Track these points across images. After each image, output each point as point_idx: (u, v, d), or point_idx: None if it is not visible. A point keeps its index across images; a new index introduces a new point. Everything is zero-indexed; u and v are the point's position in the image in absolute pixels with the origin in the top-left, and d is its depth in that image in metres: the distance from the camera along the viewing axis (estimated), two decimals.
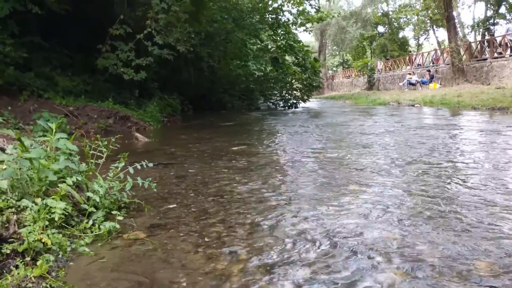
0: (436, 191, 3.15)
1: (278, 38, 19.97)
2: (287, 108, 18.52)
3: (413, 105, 17.16)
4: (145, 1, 9.31)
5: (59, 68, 9.89)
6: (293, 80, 20.45)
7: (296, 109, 18.04)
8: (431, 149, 5.22)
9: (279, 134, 7.96)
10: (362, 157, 4.78)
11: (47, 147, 2.93)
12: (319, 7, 29.97)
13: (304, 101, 19.32)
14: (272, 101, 20.05)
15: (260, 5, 17.99)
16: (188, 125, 10.81)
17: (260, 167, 4.38)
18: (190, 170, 4.27)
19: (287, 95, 19.29)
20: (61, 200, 2.35)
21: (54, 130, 2.90)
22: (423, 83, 25.73)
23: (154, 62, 9.87)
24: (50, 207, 2.25)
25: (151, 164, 3.14)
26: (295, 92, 19.43)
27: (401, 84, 28.23)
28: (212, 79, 17.97)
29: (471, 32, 38.12)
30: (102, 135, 8.05)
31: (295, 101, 19.00)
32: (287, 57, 20.75)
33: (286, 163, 4.61)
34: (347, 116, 12.45)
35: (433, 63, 29.38)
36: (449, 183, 3.41)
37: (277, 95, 20.03)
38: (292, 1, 18.88)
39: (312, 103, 20.53)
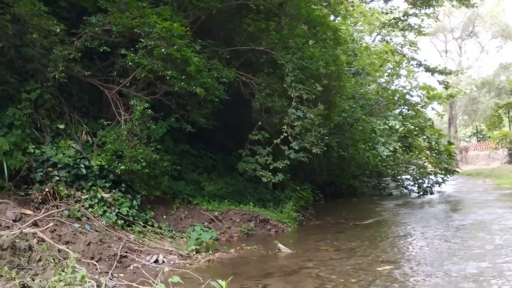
0: None
1: (407, 119, 19.63)
2: (421, 194, 17.71)
3: None
4: (281, 109, 9.95)
5: (205, 172, 10.81)
6: (426, 162, 19.73)
7: (432, 196, 17.17)
8: None
9: (421, 244, 7.67)
10: None
11: None
12: (447, 82, 29.22)
13: (440, 185, 18.36)
14: (404, 186, 19.42)
15: (388, 92, 18.08)
16: (323, 224, 10.92)
17: None
18: None
19: (420, 180, 18.52)
20: None
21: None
22: None
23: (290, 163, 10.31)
24: None
25: None
26: (429, 176, 18.59)
27: None
28: (341, 166, 18.08)
29: None
30: (244, 240, 8.55)
31: (429, 186, 18.15)
32: (419, 139, 20.17)
33: None
34: (493, 209, 11.54)
35: None
36: None
37: (410, 179, 19.37)
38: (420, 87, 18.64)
39: (448, 183, 19.47)
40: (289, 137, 9.77)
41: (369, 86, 19.50)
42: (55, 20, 7.26)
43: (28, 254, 4.96)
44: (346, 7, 17.74)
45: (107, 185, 7.67)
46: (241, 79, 10.28)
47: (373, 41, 25.97)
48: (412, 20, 27.39)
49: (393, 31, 26.12)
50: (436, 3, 25.74)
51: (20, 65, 7.65)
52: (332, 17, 18.17)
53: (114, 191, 7.74)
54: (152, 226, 7.99)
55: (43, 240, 5.56)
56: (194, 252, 7.07)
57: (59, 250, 5.48)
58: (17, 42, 7.40)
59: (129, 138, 7.77)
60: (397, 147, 20.89)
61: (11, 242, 4.74)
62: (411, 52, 28.87)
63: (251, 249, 7.71)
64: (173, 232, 8.25)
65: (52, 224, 6.02)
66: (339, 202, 15.94)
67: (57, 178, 7.16)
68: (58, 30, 7.16)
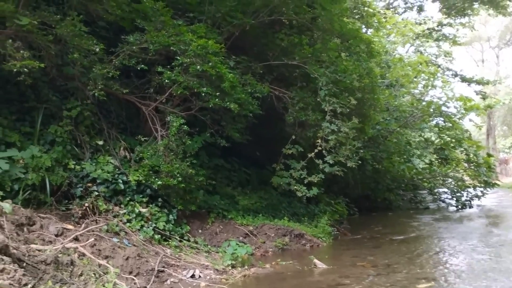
0: None
1: (443, 131, 19.22)
2: (459, 208, 17.21)
3: None
4: (315, 123, 9.92)
5: (239, 186, 10.87)
6: (464, 175, 19.20)
7: (471, 210, 16.67)
8: None
9: (461, 260, 7.46)
10: None
11: None
12: (485, 93, 28.47)
13: (479, 198, 17.81)
14: (441, 199, 18.93)
15: (422, 104, 17.79)
16: (359, 238, 10.76)
17: None
18: None
19: (458, 193, 18.01)
20: None
21: None
22: None
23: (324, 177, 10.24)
24: None
25: None
26: (467, 189, 18.05)
27: None
28: (375, 179, 17.81)
29: None
30: (279, 255, 8.51)
31: (468, 199, 17.62)
32: (456, 151, 19.68)
33: None
34: None
35: None
36: None
37: (448, 192, 18.87)
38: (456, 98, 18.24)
39: (487, 197, 18.84)
40: (323, 151, 9.73)
41: (403, 98, 19.24)
42: (95, 40, 7.49)
43: (70, 269, 5.08)
44: (378, 19, 17.63)
45: (144, 200, 7.81)
46: (274, 93, 10.32)
47: (407, 52, 25.62)
48: (447, 30, 27.01)
49: (427, 41, 25.71)
50: (471, 12, 25.31)
51: (61, 83, 7.93)
52: (364, 29, 18.08)
53: (151, 205, 7.87)
54: (188, 240, 8.06)
55: (84, 255, 5.69)
56: (230, 267, 7.09)
57: (99, 265, 5.59)
58: (58, 61, 7.69)
59: (165, 154, 7.89)
60: (433, 160, 20.41)
61: (54, 257, 4.88)
62: (446, 62, 28.29)
63: (286, 264, 7.67)
64: (209, 246, 8.30)
65: (92, 239, 6.16)
66: (374, 216, 15.68)
67: (96, 193, 7.32)
68: (97, 49, 7.37)
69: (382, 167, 17.24)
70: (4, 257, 4.06)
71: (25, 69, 6.29)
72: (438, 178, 19.91)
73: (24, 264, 4.46)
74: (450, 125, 18.07)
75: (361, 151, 10.84)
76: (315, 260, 7.44)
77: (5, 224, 4.97)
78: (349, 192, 16.29)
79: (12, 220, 5.34)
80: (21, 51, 6.44)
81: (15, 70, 6.24)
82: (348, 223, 13.40)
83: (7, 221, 5.11)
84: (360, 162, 10.83)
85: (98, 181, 7.39)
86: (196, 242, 8.15)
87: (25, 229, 5.62)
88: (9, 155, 6.42)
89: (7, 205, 5.16)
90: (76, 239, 6.09)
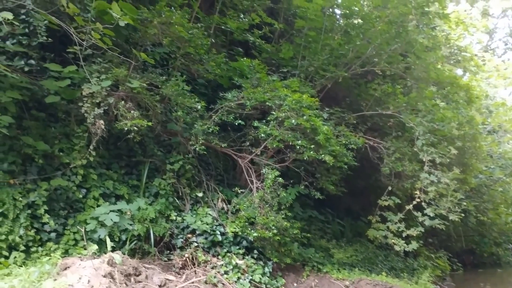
0: None
1: None
2: None
3: None
4: (413, 173, 9.60)
5: (333, 239, 10.66)
6: None
7: None
8: None
9: None
10: None
11: None
12: None
13: None
14: None
15: None
16: None
17: None
18: None
19: None
20: None
21: None
22: None
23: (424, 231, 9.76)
24: None
25: None
26: None
27: None
28: (480, 231, 16.57)
29: None
30: None
31: None
32: None
33: None
34: None
35: None
36: None
37: None
38: None
39: None
40: (422, 203, 9.32)
41: (508, 144, 18.00)
42: (196, 98, 7.97)
43: None
44: (476, 63, 16.90)
45: (240, 251, 7.89)
46: (369, 144, 10.18)
47: (510, 95, 24.15)
48: None
49: None
50: None
51: (165, 139, 8.47)
52: (460, 71, 17.38)
53: (247, 257, 7.93)
54: None
55: None
56: None
57: None
58: (163, 118, 8.24)
59: (261, 205, 7.99)
60: None
61: None
62: None
63: None
64: None
65: None
66: (480, 272, 14.49)
67: (196, 244, 7.55)
68: (199, 107, 7.83)
69: (487, 219, 16.00)
70: None
71: (135, 128, 6.82)
72: None
73: None
74: None
75: (464, 203, 10.21)
76: None
77: (116, 275, 5.29)
78: (451, 246, 15.29)
79: (121, 270, 5.67)
80: (132, 111, 7.02)
81: (125, 128, 6.79)
82: (452, 280, 12.51)
83: (117, 272, 5.43)
84: (463, 214, 10.19)
85: (197, 232, 7.64)
86: None
87: (132, 279, 5.93)
88: (119, 208, 6.88)
89: (117, 256, 5.51)
90: None
